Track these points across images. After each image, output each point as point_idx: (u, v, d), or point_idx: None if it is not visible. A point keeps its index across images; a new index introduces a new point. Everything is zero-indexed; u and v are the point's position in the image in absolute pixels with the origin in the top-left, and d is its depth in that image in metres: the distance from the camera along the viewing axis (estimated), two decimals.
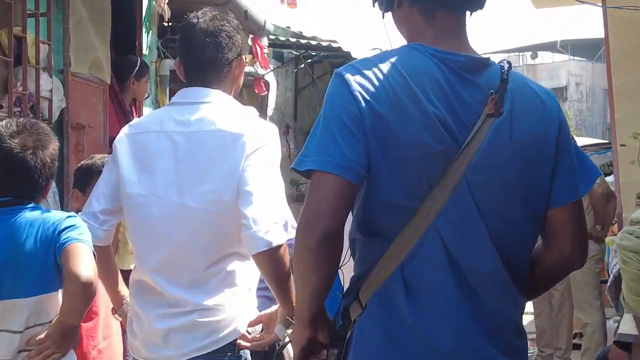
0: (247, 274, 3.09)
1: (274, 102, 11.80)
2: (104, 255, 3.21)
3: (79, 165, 4.12)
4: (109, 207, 3.15)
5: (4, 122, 3.15)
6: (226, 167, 2.97)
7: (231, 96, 3.16)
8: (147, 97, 7.62)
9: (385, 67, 2.23)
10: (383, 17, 2.42)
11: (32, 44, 5.75)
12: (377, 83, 2.20)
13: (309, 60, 12.69)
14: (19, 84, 5.58)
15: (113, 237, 3.26)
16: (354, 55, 11.22)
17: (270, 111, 11.55)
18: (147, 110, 7.92)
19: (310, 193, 2.18)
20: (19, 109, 5.58)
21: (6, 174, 3.07)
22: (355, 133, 2.18)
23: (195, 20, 3.09)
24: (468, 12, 2.37)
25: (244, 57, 3.20)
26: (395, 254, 2.22)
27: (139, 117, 7.42)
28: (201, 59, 3.08)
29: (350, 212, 2.28)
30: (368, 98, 2.19)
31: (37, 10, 5.88)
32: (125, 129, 3.17)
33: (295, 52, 12.20)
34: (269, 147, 3.04)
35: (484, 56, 2.31)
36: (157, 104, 8.18)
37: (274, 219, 2.92)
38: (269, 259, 2.89)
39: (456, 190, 2.21)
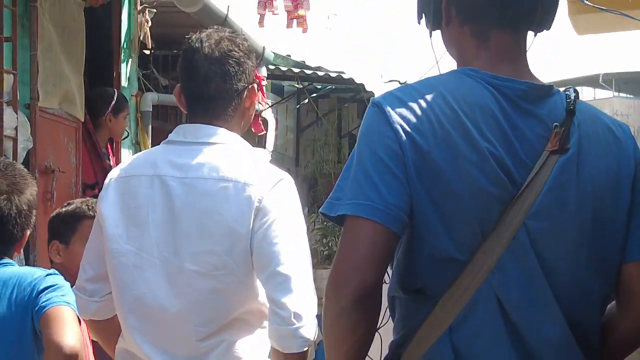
0: (255, 345, 3.07)
1: (272, 143, 11.85)
2: (105, 331, 3.17)
3: (56, 213, 4.13)
4: (96, 273, 3.10)
5: None
6: (230, 224, 2.93)
7: (240, 132, 3.13)
8: (125, 137, 7.66)
9: (431, 96, 2.23)
10: (430, 35, 2.44)
11: None
12: (421, 115, 2.20)
13: (314, 95, 12.77)
14: None
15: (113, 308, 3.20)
16: (368, 88, 11.29)
17: (268, 154, 11.61)
18: (125, 152, 7.96)
19: (344, 243, 2.17)
20: None
21: None
22: (396, 173, 2.18)
23: (198, 45, 3.03)
24: (531, 33, 2.39)
25: (255, 85, 3.16)
26: (443, 315, 2.21)
27: (115, 159, 7.47)
28: (206, 91, 3.04)
29: (390, 266, 2.28)
30: (411, 132, 2.19)
31: (0, 34, 5.93)
32: (113, 172, 3.12)
33: (297, 85, 12.29)
34: (287, 203, 2.99)
35: (546, 83, 2.33)
36: (137, 145, 8.23)
37: (314, 310, 2.93)
38: (302, 356, 2.92)
39: (514, 241, 2.20)
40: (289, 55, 12.40)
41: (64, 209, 4.09)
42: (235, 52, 3.05)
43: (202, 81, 3.03)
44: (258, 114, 10.27)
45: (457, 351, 2.21)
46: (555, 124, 2.26)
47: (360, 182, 2.19)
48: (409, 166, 2.18)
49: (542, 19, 2.37)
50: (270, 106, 11.17)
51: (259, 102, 10.22)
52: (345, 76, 11.65)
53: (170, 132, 3.14)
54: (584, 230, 2.27)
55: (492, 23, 2.33)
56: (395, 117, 2.21)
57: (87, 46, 7.00)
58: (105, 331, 3.19)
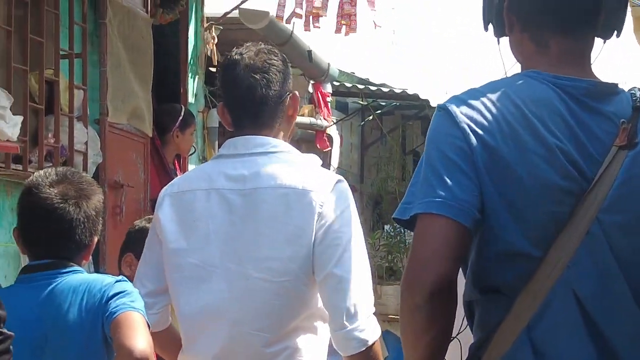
0: (317, 350, 3.10)
1: (337, 160, 11.86)
2: (163, 341, 3.22)
3: (137, 227, 4.19)
4: (156, 288, 3.17)
5: (42, 171, 3.21)
6: (293, 230, 2.98)
7: (288, 141, 3.19)
8: (192, 152, 7.72)
9: (495, 96, 2.25)
10: (498, 42, 2.46)
11: (66, 89, 5.88)
12: (487, 114, 2.23)
13: (378, 112, 12.77)
14: (50, 135, 5.70)
15: (170, 318, 3.28)
16: (432, 104, 11.26)
17: (332, 171, 11.63)
18: (192, 167, 8.02)
19: (416, 241, 2.19)
20: (50, 164, 5.68)
21: (44, 230, 3.11)
22: (465, 170, 2.20)
23: (238, 57, 3.12)
24: (600, 40, 2.39)
25: (296, 92, 3.23)
26: (520, 313, 2.20)
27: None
28: (251, 99, 3.09)
29: (462, 272, 2.27)
30: (478, 131, 2.21)
31: (71, 50, 6.02)
32: (166, 189, 3.19)
33: (362, 102, 12.29)
34: (345, 206, 3.03)
35: (609, 82, 2.34)
36: (204, 161, 8.28)
37: (369, 310, 2.97)
38: (363, 356, 2.95)
39: (588, 235, 2.20)
40: (353, 72, 12.43)
41: (143, 223, 4.13)
42: (275, 60, 3.15)
43: (247, 90, 3.09)
44: (323, 130, 10.30)
45: (536, 349, 2.21)
46: (622, 120, 2.27)
47: (430, 182, 2.21)
48: (478, 164, 2.20)
49: (607, 24, 2.37)
50: (334, 123, 11.18)
51: (324, 119, 10.25)
52: (409, 92, 11.64)
53: None
54: None
55: (550, 30, 2.35)
56: (461, 117, 2.23)
57: (155, 62, 7.07)
58: (166, 343, 3.25)
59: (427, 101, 11.54)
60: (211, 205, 3.05)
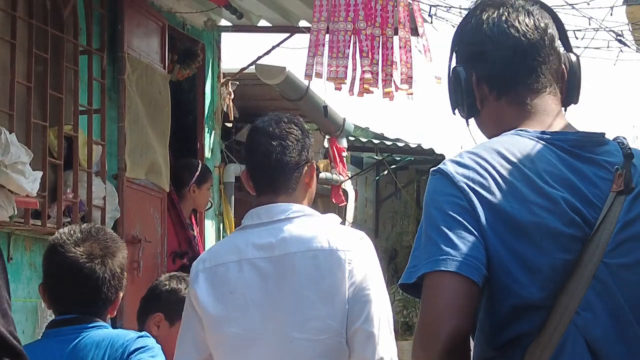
0: None
1: (352, 214, 11.86)
2: None
3: (161, 283, 4.16)
4: (199, 358, 3.23)
5: (66, 228, 3.26)
6: (327, 289, 3.10)
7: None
8: (209, 207, 7.73)
9: (489, 154, 2.26)
10: (467, 124, 2.46)
11: (84, 145, 5.92)
12: (483, 172, 2.23)
13: (393, 166, 12.79)
14: (68, 190, 5.72)
15: None
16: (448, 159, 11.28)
17: (347, 225, 11.61)
18: (209, 223, 8.03)
19: (426, 299, 2.16)
20: (68, 219, 5.70)
21: (71, 287, 3.15)
22: (468, 227, 2.19)
23: (260, 125, 3.26)
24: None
25: (314, 162, 3.34)
26: None
27: (199, 230, 7.53)
28: (268, 164, 3.21)
29: (471, 336, 2.26)
30: (476, 189, 2.21)
31: (90, 105, 6.06)
32: (197, 265, 3.27)
33: (376, 157, 12.31)
34: (371, 262, 3.16)
35: (596, 132, 2.36)
36: (220, 216, 8.29)
37: (394, 358, 3.13)
38: None
39: (596, 280, 2.20)
40: (368, 127, 12.47)
41: (174, 284, 4.10)
42: (295, 129, 3.26)
43: (263, 156, 3.21)
44: (339, 185, 10.31)
45: None
46: (616, 167, 2.29)
47: (434, 241, 2.20)
48: (480, 221, 2.20)
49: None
50: (350, 178, 11.20)
51: (340, 173, 10.27)
52: (424, 146, 11.66)
53: (252, 203, 3.32)
54: None
55: (527, 88, 2.36)
56: (459, 177, 2.23)
57: (171, 117, 7.11)
58: None
59: (442, 156, 11.56)
60: (244, 275, 3.16)
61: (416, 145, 11.87)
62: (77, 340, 3.09)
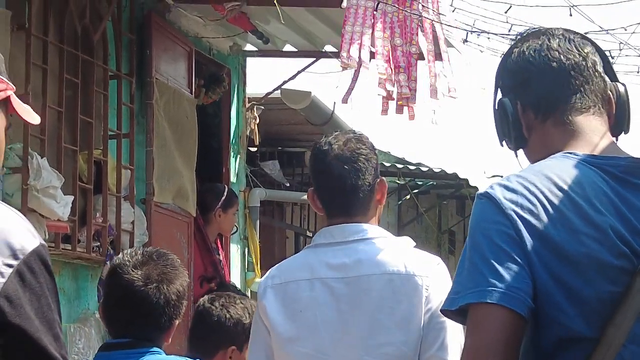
0: None
1: None
2: None
3: (237, 319, 4.12)
4: None
5: (130, 250, 3.26)
6: (402, 314, 3.06)
7: (378, 224, 3.24)
8: (234, 232, 7.73)
9: (537, 179, 2.24)
10: (516, 155, 2.45)
11: (113, 169, 5.94)
12: (532, 198, 2.21)
13: (415, 191, 12.77)
14: (98, 214, 5.74)
15: None
16: (472, 184, 11.25)
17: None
18: (234, 247, 8.03)
19: (471, 333, 2.14)
20: (97, 243, 5.72)
21: (126, 311, 3.14)
22: (515, 257, 2.16)
23: (327, 147, 3.18)
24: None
25: (383, 178, 3.28)
26: None
27: (224, 254, 7.53)
28: (342, 189, 3.16)
29: None
30: (525, 216, 2.19)
31: (119, 130, 6.09)
32: (266, 281, 3.23)
33: (398, 181, 12.31)
34: (446, 288, 3.08)
35: None
36: (245, 240, 8.29)
37: None
38: None
39: None
40: (390, 152, 12.48)
41: (246, 317, 4.05)
42: (363, 149, 3.19)
43: (337, 180, 3.16)
44: None
45: None
46: None
47: (480, 270, 2.18)
48: (527, 250, 2.18)
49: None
50: None
51: None
52: (447, 171, 11.65)
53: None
54: None
55: (571, 107, 2.35)
56: (507, 204, 2.21)
57: (198, 142, 7.13)
58: None
59: (465, 180, 11.53)
60: (316, 294, 3.12)
61: (439, 169, 11.85)
62: None
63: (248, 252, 8.32)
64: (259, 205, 8.42)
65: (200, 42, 7.47)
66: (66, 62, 5.61)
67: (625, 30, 5.08)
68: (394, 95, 5.96)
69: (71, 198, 5.24)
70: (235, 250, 8.08)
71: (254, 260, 8.24)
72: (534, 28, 2.51)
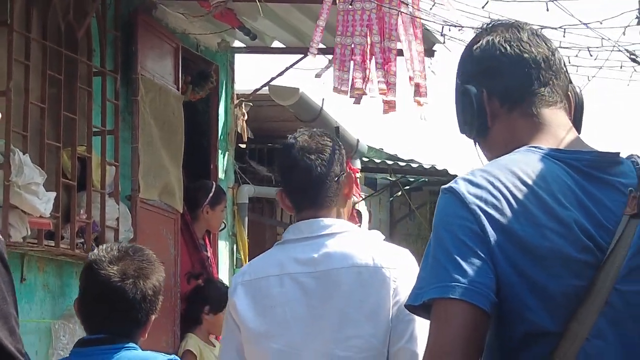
0: None
1: None
2: None
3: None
4: None
5: (105, 245, 3.26)
6: (371, 307, 3.06)
7: (346, 219, 3.25)
8: (222, 229, 7.73)
9: (502, 174, 2.22)
10: (475, 145, 2.43)
11: (97, 166, 5.93)
12: (496, 193, 2.19)
13: (407, 188, 12.78)
14: (82, 211, 5.74)
15: None
16: None
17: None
18: (222, 244, 8.02)
19: (434, 329, 2.15)
20: (82, 239, 5.71)
21: (103, 306, 3.14)
22: (479, 253, 2.15)
23: (293, 141, 3.23)
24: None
25: (350, 172, 3.31)
26: None
27: (212, 251, 7.53)
28: (308, 180, 3.19)
29: None
30: (488, 211, 2.18)
31: (103, 127, 6.08)
32: (237, 278, 3.26)
33: (390, 178, 12.32)
34: (415, 277, 3.10)
35: (611, 151, 2.33)
36: (233, 237, 8.29)
37: None
38: None
39: (608, 306, 2.17)
40: (382, 148, 12.48)
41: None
42: (328, 142, 3.25)
43: (304, 172, 3.19)
44: (353, 206, 10.30)
45: None
46: (630, 189, 2.25)
47: (443, 265, 2.17)
48: (491, 245, 2.17)
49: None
50: (363, 199, 11.19)
51: (354, 195, 10.26)
52: (438, 167, 11.66)
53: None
54: None
55: (540, 99, 2.36)
56: (470, 198, 2.20)
57: (185, 138, 7.13)
58: None
59: (456, 176, 11.54)
60: (286, 290, 3.13)
61: (430, 166, 11.86)
62: None
63: (236, 249, 8.31)
64: (247, 202, 8.41)
65: (187, 38, 7.46)
66: (49, 59, 5.59)
67: (601, 24, 5.10)
68: (367, 91, 5.97)
69: (53, 194, 5.23)
70: (223, 247, 8.08)
71: (243, 257, 8.24)
72: (501, 20, 2.51)
